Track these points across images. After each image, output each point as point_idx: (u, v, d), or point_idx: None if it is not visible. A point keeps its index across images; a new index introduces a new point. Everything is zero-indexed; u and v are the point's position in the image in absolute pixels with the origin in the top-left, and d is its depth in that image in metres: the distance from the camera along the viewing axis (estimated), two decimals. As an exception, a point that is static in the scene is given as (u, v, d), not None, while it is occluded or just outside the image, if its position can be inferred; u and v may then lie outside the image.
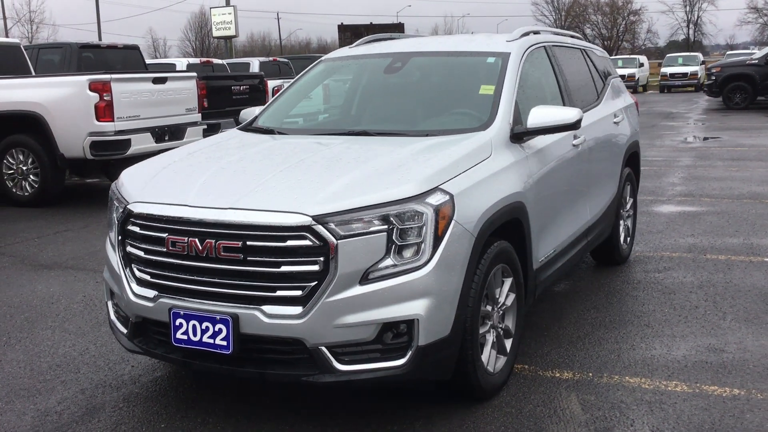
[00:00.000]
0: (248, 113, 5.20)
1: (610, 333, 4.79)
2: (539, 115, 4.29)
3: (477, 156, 3.90)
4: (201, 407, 3.89)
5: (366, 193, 3.39)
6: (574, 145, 4.96)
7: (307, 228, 3.27)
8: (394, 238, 3.33)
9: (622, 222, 6.35)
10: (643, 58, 46.01)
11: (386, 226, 3.32)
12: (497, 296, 3.93)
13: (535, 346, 4.59)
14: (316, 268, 3.28)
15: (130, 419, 3.78)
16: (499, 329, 3.98)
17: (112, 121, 9.60)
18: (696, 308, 5.21)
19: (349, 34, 60.43)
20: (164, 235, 3.53)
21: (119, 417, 3.81)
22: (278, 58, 21.26)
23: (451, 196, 3.48)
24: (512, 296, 4.08)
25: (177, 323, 3.49)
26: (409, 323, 3.35)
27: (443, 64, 4.97)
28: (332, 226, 3.27)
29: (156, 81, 10.34)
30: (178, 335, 3.49)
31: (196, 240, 3.43)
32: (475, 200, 3.64)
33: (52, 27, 77.67)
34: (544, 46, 5.22)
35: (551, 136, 4.59)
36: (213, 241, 3.39)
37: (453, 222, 3.45)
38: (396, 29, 54.32)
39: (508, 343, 4.07)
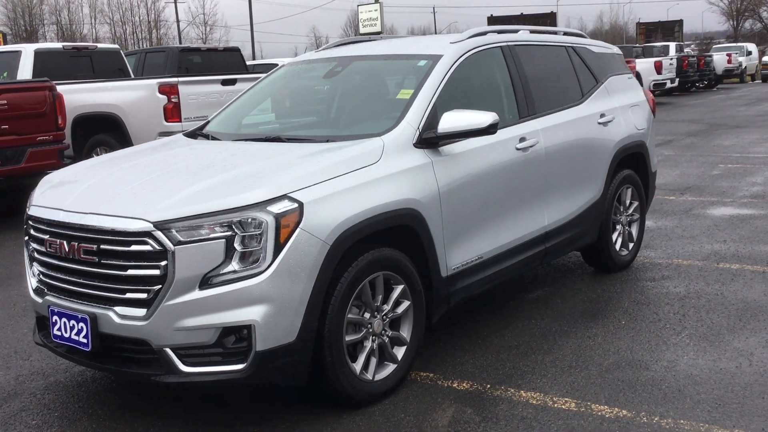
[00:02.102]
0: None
1: (544, 344, 4.61)
2: (450, 120, 4.21)
3: (357, 162, 3.88)
4: (98, 399, 4.13)
5: (212, 199, 3.48)
6: (518, 149, 4.79)
7: (148, 234, 3.41)
8: (235, 244, 3.41)
9: (620, 227, 6.04)
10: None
11: (227, 233, 3.40)
12: (378, 304, 3.90)
13: (457, 354, 4.50)
14: (157, 272, 3.42)
15: (35, 406, 4.08)
16: (384, 337, 3.95)
17: (180, 121, 10.16)
18: (657, 321, 4.90)
19: (499, 25, 59.40)
20: (46, 236, 3.80)
21: (27, 404, 4.11)
22: None
23: (300, 204, 3.51)
24: (406, 304, 4.03)
25: (53, 320, 3.75)
26: (248, 328, 3.43)
27: (379, 68, 4.95)
28: (173, 232, 3.40)
29: (225, 83, 10.82)
30: (55, 331, 3.75)
31: (65, 242, 3.66)
32: (335, 208, 3.63)
33: (224, 28, 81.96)
34: (500, 47, 5.07)
35: (480, 140, 4.47)
36: (76, 243, 3.62)
37: (298, 230, 3.48)
38: (548, 19, 52.87)
39: (399, 352, 4.03)
